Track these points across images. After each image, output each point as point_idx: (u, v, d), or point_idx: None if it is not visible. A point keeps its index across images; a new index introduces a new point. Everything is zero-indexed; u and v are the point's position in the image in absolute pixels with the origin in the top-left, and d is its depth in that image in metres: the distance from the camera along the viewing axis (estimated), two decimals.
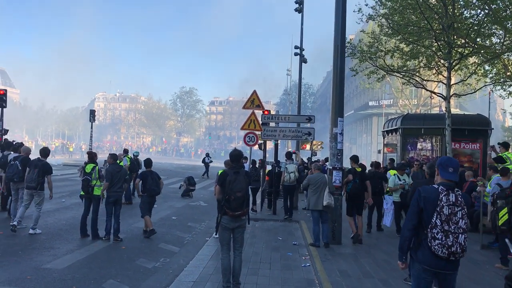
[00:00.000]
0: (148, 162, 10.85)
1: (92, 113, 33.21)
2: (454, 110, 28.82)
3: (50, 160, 11.42)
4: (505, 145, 11.31)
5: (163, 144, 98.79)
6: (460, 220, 4.03)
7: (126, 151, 16.90)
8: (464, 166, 13.83)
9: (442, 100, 16.48)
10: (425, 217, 4.10)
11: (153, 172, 10.63)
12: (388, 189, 11.53)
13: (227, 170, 6.56)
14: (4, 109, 21.39)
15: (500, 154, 11.06)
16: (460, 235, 4.01)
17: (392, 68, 16.60)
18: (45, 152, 10.36)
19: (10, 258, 7.88)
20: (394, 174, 11.44)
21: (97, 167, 9.85)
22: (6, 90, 22.07)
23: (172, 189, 21.12)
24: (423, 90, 19.18)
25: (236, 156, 6.48)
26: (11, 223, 9.89)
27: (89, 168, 9.82)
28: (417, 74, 17.31)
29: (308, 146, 26.96)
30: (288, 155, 14.21)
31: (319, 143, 27.85)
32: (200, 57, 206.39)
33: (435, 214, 4.03)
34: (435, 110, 38.20)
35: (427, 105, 39.57)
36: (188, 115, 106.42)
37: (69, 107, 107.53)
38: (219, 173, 7.91)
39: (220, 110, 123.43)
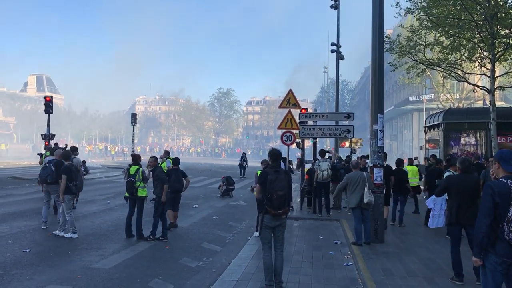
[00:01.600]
0: (176, 160, 11.51)
1: (134, 116, 34.02)
2: (499, 103, 27.82)
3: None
4: None
5: (200, 144, 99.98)
6: None
7: (167, 153, 17.09)
8: None
9: (486, 93, 15.94)
10: (500, 211, 4.12)
11: (178, 170, 11.16)
12: None
13: (268, 169, 6.60)
14: (50, 114, 22.39)
15: None
16: None
17: (432, 62, 16.20)
18: (67, 155, 10.44)
19: (61, 258, 8.20)
20: (448, 170, 11.11)
21: (140, 169, 10.02)
22: (52, 97, 23.06)
23: (212, 189, 21.38)
24: (466, 83, 18.57)
25: (276, 156, 6.53)
26: (70, 236, 9.80)
27: (133, 170, 9.98)
28: (459, 67, 16.83)
29: (347, 144, 26.67)
30: (322, 153, 14.16)
31: (359, 140, 27.50)
32: (237, 57, 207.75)
33: (510, 208, 4.06)
34: (479, 104, 36.92)
35: (470, 98, 38.20)
36: (226, 115, 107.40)
37: (111, 111, 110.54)
38: (258, 173, 7.97)
39: (257, 110, 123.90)
